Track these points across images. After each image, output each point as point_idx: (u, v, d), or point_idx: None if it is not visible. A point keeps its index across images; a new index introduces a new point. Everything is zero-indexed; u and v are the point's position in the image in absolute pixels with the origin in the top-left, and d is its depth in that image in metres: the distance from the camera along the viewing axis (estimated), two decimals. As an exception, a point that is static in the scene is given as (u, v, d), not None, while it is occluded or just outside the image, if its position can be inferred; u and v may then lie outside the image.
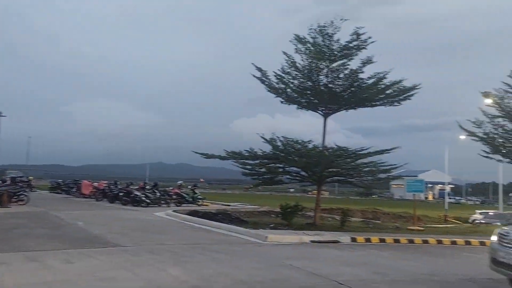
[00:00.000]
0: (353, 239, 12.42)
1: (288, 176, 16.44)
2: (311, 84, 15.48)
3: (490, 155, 20.47)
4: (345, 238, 12.41)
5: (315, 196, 18.17)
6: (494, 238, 7.01)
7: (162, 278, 6.68)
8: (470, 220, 28.79)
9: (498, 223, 20.29)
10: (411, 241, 12.70)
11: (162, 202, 22.89)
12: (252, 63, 15.93)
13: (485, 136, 19.91)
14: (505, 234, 6.64)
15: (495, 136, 19.85)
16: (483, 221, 26.39)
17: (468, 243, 13.07)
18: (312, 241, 11.81)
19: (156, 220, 16.04)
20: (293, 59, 15.40)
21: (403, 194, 62.70)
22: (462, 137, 24.95)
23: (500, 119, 19.70)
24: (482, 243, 12.38)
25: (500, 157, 20.40)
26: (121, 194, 23.18)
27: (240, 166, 15.78)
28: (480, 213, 30.42)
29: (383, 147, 15.63)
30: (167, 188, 26.31)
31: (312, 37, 15.24)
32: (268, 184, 16.74)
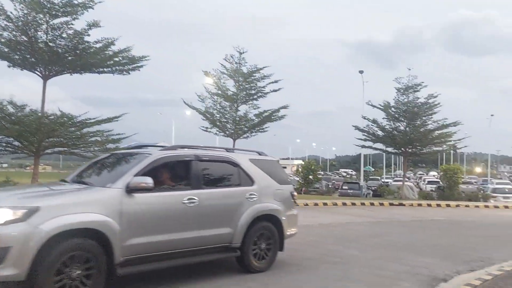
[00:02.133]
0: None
1: (-5, 147, 13.77)
2: (26, 39, 13.31)
3: (209, 129, 23.12)
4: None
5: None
6: None
7: None
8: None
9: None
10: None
11: None
12: None
13: (205, 112, 22.28)
14: None
15: (213, 112, 22.50)
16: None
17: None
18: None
19: None
20: (2, 6, 12.82)
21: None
22: (188, 112, 27.05)
23: (217, 97, 22.44)
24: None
25: (216, 131, 23.28)
26: None
27: None
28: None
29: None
30: None
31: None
32: (-34, 158, 13.51)
